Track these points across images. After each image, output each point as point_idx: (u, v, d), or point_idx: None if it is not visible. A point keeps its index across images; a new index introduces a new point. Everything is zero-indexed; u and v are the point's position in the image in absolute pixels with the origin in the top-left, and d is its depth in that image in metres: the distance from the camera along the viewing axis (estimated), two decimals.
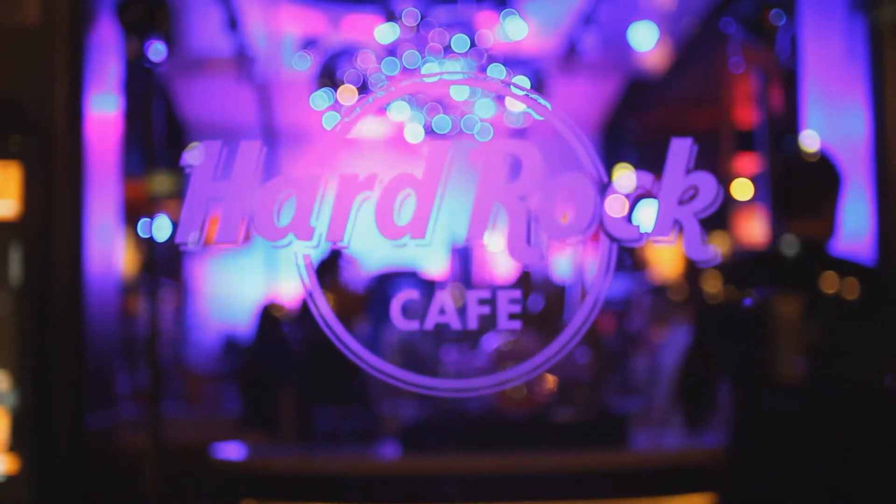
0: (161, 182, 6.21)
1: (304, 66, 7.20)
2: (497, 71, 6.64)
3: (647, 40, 7.05)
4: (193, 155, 1.88)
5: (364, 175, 1.86)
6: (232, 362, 7.36)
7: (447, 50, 6.56)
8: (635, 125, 9.07)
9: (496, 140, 4.26)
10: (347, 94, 6.77)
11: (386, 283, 5.83)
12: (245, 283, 8.25)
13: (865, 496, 3.33)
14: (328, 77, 6.92)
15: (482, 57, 6.61)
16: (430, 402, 4.83)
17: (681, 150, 1.84)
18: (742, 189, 7.44)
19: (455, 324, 1.86)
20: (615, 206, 1.85)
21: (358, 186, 1.85)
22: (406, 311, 1.87)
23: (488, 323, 1.87)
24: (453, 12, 6.66)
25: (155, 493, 4.70)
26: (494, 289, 1.89)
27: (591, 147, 1.86)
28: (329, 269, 4.97)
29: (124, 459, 4.81)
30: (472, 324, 1.86)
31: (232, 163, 1.84)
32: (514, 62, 6.87)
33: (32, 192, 4.40)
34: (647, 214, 1.85)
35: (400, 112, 6.77)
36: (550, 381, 4.85)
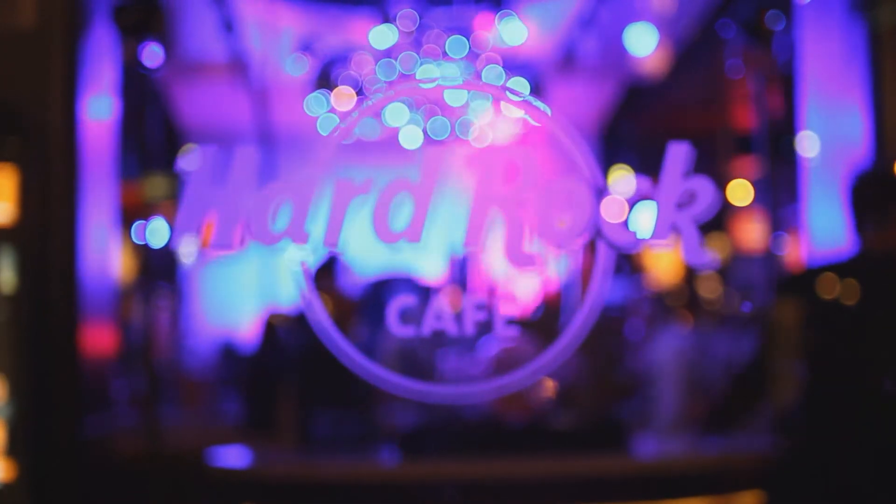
0: (157, 186, 6.19)
1: (301, 69, 7.19)
2: (495, 75, 6.62)
3: (645, 43, 7.04)
4: (190, 159, 1.87)
5: (360, 180, 1.85)
6: (229, 367, 7.33)
7: (445, 54, 6.55)
8: (633, 129, 9.06)
9: (493, 145, 4.25)
10: (344, 98, 6.75)
11: (382, 288, 5.81)
12: (241, 288, 8.23)
13: None
14: (325, 81, 6.90)
15: (480, 61, 6.60)
16: (428, 408, 4.81)
17: (678, 154, 1.83)
18: (740, 193, 7.43)
19: (452, 329, 1.85)
20: (613, 211, 1.84)
21: (354, 191, 1.84)
22: (403, 316, 1.86)
23: (485, 328, 1.86)
24: (451, 16, 6.65)
25: (153, 498, 4.68)
26: (491, 294, 1.88)
27: (589, 152, 1.85)
28: (326, 274, 4.95)
29: (121, 465, 4.78)
30: (470, 329, 1.85)
31: (228, 168, 1.83)
32: (511, 66, 6.85)
33: (28, 195, 4.38)
34: (644, 219, 1.84)
35: (397, 116, 6.76)
36: (548, 386, 4.83)
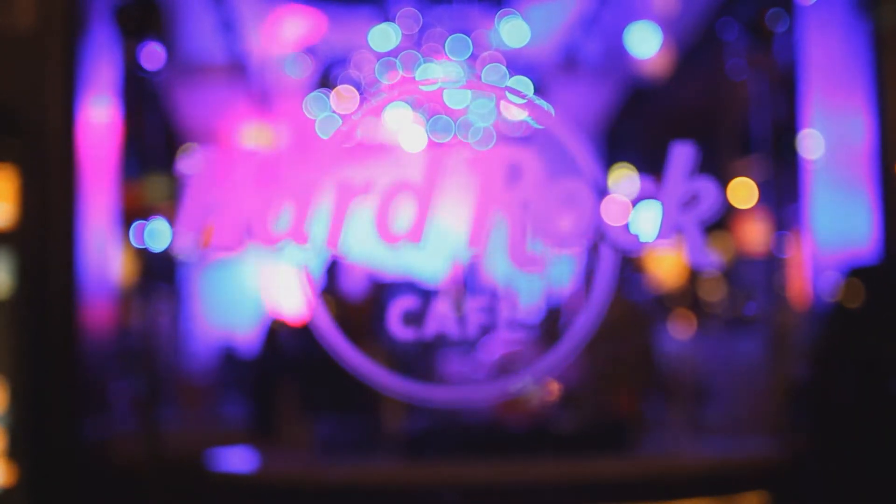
0: (158, 187, 6.17)
1: (302, 71, 7.17)
2: (497, 75, 6.60)
3: (647, 44, 7.02)
4: (191, 161, 1.86)
5: (362, 181, 1.83)
6: (230, 371, 7.31)
7: (446, 54, 6.53)
8: (635, 130, 9.04)
9: (496, 146, 4.23)
10: (345, 99, 6.73)
11: (384, 291, 5.78)
12: (242, 290, 8.21)
13: None
14: (326, 81, 6.88)
15: (482, 61, 6.58)
16: (430, 411, 4.79)
17: (682, 155, 1.82)
18: (744, 194, 7.41)
19: (454, 332, 1.83)
20: (616, 213, 1.82)
21: (356, 193, 1.83)
22: (405, 319, 1.85)
23: (488, 331, 1.85)
24: (453, 16, 6.63)
25: (153, 503, 4.66)
26: (494, 296, 1.87)
27: (591, 153, 1.83)
28: (327, 277, 4.93)
29: (121, 469, 4.77)
30: (472, 332, 1.84)
31: (229, 169, 1.82)
32: (513, 66, 6.83)
33: (27, 197, 4.37)
34: (647, 221, 1.82)
35: (398, 118, 6.73)
36: (551, 389, 4.82)
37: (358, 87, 6.69)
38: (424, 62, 6.52)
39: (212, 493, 4.64)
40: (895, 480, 3.36)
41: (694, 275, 7.50)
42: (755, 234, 7.46)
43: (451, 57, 6.53)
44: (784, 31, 5.19)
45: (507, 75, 6.68)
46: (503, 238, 1.83)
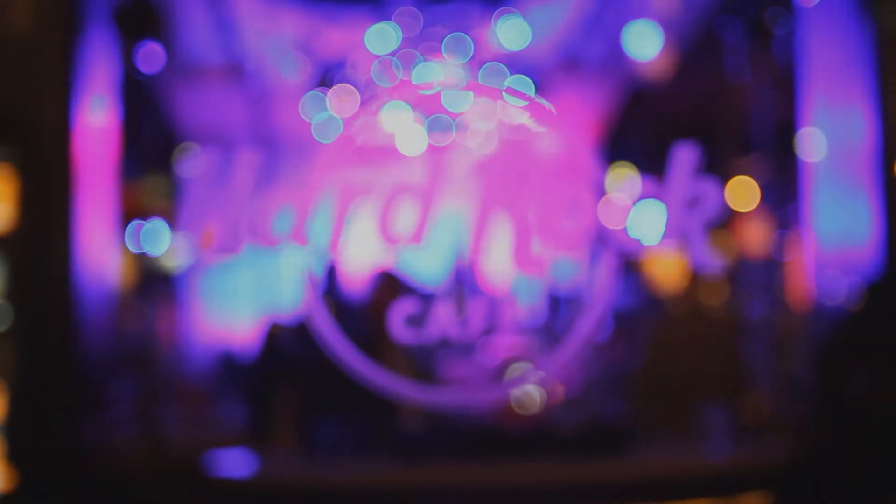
0: (157, 189, 6.16)
1: (302, 72, 7.16)
2: (498, 76, 6.60)
3: (648, 44, 7.01)
4: (191, 164, 1.85)
5: (363, 183, 1.82)
6: (229, 374, 7.29)
7: (448, 56, 6.52)
8: (637, 131, 9.02)
9: (498, 148, 4.22)
10: (345, 101, 6.72)
11: (385, 293, 5.76)
12: (242, 292, 8.20)
13: None
14: (324, 82, 6.88)
15: (484, 63, 6.57)
16: (431, 413, 4.78)
17: (685, 157, 1.81)
18: (745, 194, 7.40)
19: (456, 334, 1.83)
20: (618, 215, 1.81)
21: (356, 195, 1.82)
22: (406, 321, 1.84)
23: (490, 333, 1.84)
24: (454, 17, 6.62)
25: None
26: (496, 299, 1.86)
27: (593, 154, 1.82)
28: (327, 279, 4.92)
29: (121, 473, 4.76)
30: (474, 335, 1.83)
31: (229, 172, 1.81)
32: (514, 67, 6.82)
33: (24, 199, 4.36)
34: (650, 222, 1.81)
35: (399, 120, 6.72)
36: (553, 391, 4.81)
37: (357, 87, 6.68)
38: (424, 62, 6.51)
39: (211, 497, 4.63)
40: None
41: (695, 276, 7.49)
42: (757, 235, 7.45)
43: (451, 57, 6.53)
44: (785, 33, 5.19)
45: (508, 76, 6.67)
46: (506, 240, 1.81)
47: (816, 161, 5.14)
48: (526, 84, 6.81)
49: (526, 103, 1.86)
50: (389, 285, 4.92)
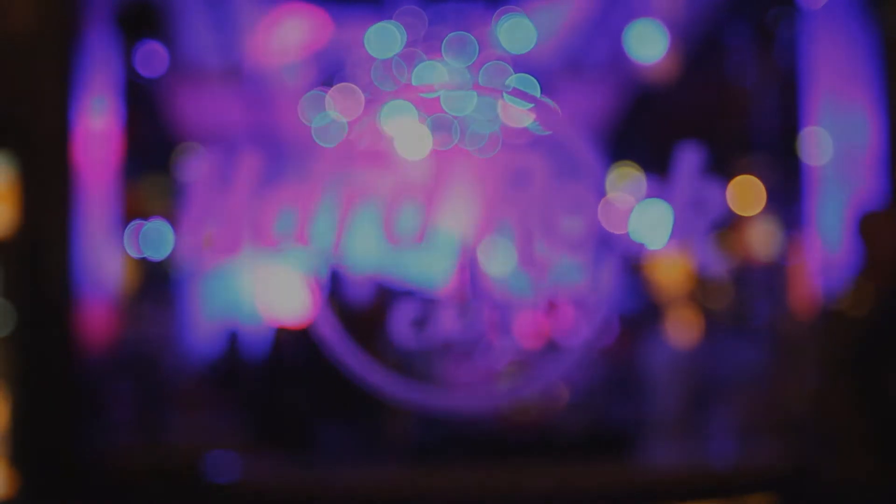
0: (158, 191, 6.14)
1: (303, 73, 7.15)
2: (501, 77, 6.58)
3: (652, 45, 6.99)
4: (191, 165, 1.84)
5: (365, 185, 1.81)
6: (231, 377, 7.28)
7: (452, 58, 6.50)
8: (641, 133, 9.01)
9: (501, 151, 4.20)
10: (348, 102, 6.70)
11: (388, 296, 5.75)
12: (244, 295, 8.18)
13: None
14: (326, 83, 6.86)
15: (487, 65, 6.55)
16: (433, 418, 4.77)
17: (690, 160, 1.79)
18: (749, 196, 7.38)
19: (459, 338, 1.81)
20: (621, 218, 1.80)
21: (360, 197, 1.81)
22: (409, 325, 1.83)
23: (493, 336, 1.83)
24: (457, 17, 6.61)
25: None
26: (499, 302, 1.84)
27: (597, 155, 1.80)
28: (331, 282, 4.89)
29: (121, 477, 4.75)
30: (477, 337, 1.82)
31: (230, 174, 1.80)
32: (518, 68, 6.81)
33: (24, 202, 4.36)
34: (655, 224, 1.80)
35: (402, 122, 6.69)
36: (557, 395, 4.80)
37: (363, 90, 6.66)
38: (427, 63, 6.50)
39: (212, 501, 4.62)
40: None
41: (699, 278, 7.47)
42: (761, 237, 7.42)
43: (453, 57, 6.51)
44: (790, 34, 5.18)
45: (512, 76, 6.66)
46: (509, 242, 1.80)
47: (821, 163, 5.13)
48: (529, 85, 6.80)
49: (530, 104, 1.85)
50: (391, 289, 4.91)
